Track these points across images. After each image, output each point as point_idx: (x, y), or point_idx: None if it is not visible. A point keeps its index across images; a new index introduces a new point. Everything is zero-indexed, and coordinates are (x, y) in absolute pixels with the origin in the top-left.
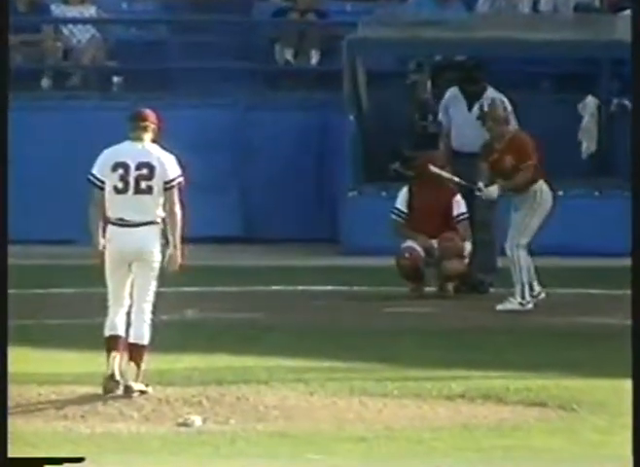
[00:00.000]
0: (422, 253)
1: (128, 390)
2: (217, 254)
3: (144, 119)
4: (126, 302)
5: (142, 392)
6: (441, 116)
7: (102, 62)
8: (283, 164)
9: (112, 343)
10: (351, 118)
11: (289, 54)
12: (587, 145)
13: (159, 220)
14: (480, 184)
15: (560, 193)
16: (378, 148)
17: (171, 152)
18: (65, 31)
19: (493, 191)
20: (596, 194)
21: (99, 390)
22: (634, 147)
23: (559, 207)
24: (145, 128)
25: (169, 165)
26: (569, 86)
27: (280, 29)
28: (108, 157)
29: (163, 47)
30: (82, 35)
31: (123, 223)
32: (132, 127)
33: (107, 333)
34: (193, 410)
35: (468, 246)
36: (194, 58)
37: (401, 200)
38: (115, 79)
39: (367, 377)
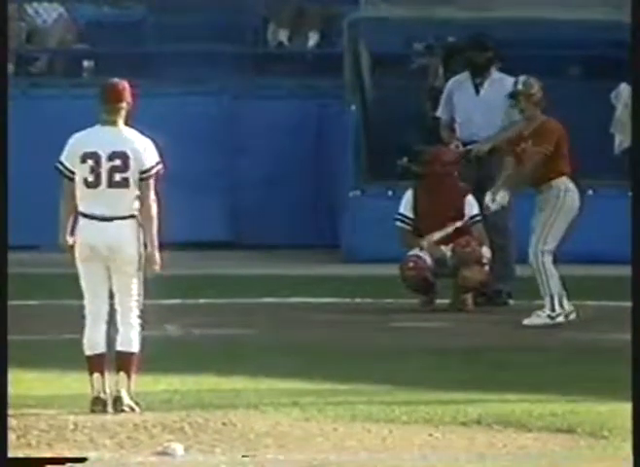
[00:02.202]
0: (430, 261)
1: (118, 402)
2: (201, 262)
3: (119, 99)
4: (105, 311)
5: (131, 409)
6: (440, 110)
7: (71, 45)
8: (275, 160)
9: (94, 364)
10: (353, 108)
11: (283, 36)
12: (621, 139)
13: (135, 213)
14: (488, 197)
15: (590, 192)
16: (384, 142)
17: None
18: (29, 10)
19: (503, 197)
20: (630, 194)
21: (66, 415)
22: (634, 147)
23: (588, 209)
24: (120, 110)
25: (146, 153)
26: (600, 72)
27: (273, 7)
28: (76, 145)
29: (140, 27)
30: (48, 14)
31: (94, 216)
32: (105, 110)
33: (88, 352)
34: (173, 437)
35: (487, 252)
36: (174, 41)
37: (405, 205)
38: (85, 63)
39: (371, 400)
